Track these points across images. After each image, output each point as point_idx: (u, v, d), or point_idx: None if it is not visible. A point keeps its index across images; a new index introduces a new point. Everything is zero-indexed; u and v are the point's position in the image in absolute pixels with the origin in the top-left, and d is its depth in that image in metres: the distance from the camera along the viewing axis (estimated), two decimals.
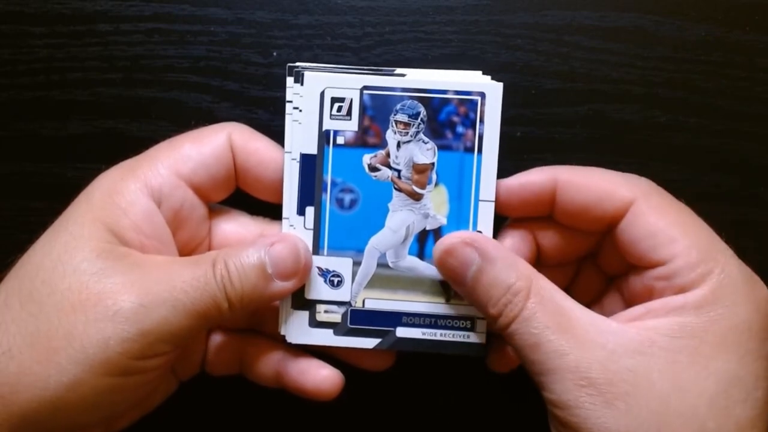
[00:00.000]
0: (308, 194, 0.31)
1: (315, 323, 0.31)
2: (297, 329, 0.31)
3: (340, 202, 0.31)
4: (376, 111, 0.30)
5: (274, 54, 0.35)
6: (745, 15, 0.35)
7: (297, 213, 0.31)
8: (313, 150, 0.30)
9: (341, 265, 0.31)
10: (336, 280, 0.31)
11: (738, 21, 0.35)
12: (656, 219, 0.28)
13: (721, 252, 0.28)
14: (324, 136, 0.30)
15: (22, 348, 0.26)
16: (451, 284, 0.30)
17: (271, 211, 0.32)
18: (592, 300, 0.33)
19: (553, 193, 0.30)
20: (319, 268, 0.31)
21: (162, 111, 0.35)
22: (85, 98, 0.36)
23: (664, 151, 0.36)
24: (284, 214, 0.31)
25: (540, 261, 0.32)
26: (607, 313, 0.30)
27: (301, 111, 0.30)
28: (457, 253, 0.29)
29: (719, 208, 0.36)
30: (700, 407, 0.25)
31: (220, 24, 0.35)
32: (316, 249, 0.31)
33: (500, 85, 0.30)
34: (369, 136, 0.31)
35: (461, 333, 0.31)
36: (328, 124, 0.30)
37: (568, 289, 0.33)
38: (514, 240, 0.31)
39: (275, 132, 0.33)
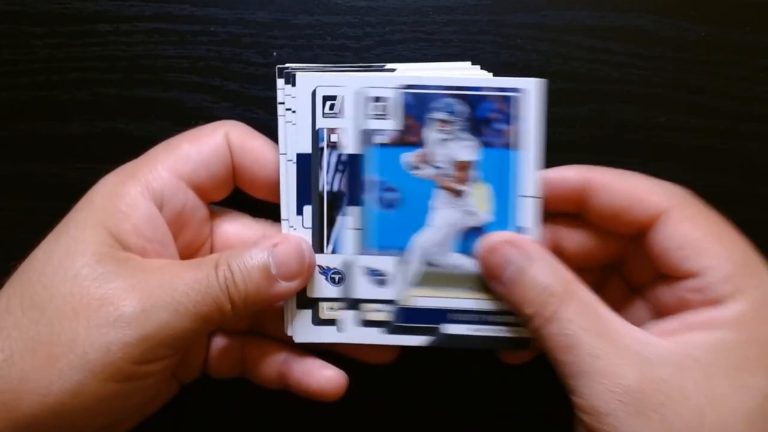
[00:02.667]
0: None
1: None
2: (301, 328, 0.31)
3: (383, 201, 0.31)
4: (413, 109, 0.30)
5: (274, 54, 0.35)
6: (745, 15, 0.35)
7: (296, 213, 0.31)
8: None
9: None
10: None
11: (738, 21, 0.35)
12: (690, 229, 0.28)
13: (756, 265, 0.28)
14: (317, 135, 0.30)
15: (23, 354, 0.26)
16: (490, 283, 0.30)
17: (272, 211, 0.32)
18: (615, 310, 0.32)
19: (584, 193, 0.30)
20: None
21: (162, 111, 0.35)
22: (85, 98, 0.36)
23: (664, 151, 0.36)
24: (282, 215, 0.31)
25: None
26: (635, 324, 0.30)
27: (294, 112, 0.30)
28: (498, 251, 0.29)
29: (719, 208, 0.36)
30: (737, 423, 0.24)
31: (220, 24, 0.35)
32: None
33: (543, 81, 0.30)
34: (410, 135, 0.30)
35: (504, 328, 0.31)
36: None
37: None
38: None
39: (275, 131, 0.33)
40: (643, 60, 0.35)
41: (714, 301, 0.27)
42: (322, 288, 0.31)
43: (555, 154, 0.35)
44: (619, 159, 0.35)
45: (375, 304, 0.31)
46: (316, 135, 0.31)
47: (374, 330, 0.31)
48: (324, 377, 0.31)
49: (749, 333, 0.26)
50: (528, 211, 0.30)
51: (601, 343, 0.26)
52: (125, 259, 0.28)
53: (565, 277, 0.28)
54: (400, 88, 0.30)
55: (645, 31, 0.35)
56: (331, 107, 0.30)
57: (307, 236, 0.31)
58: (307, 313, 0.31)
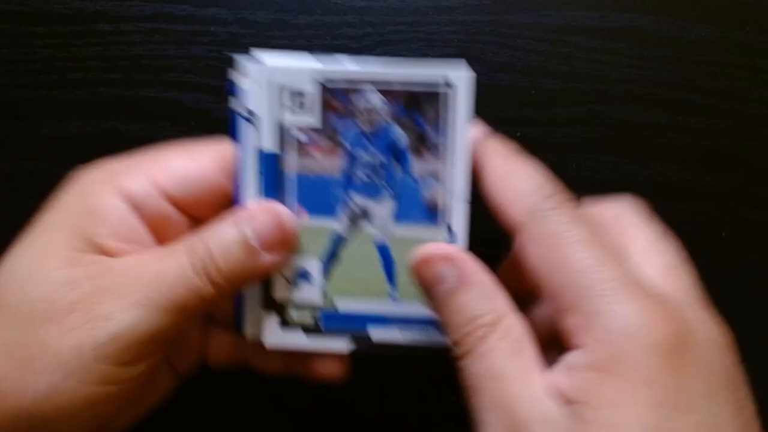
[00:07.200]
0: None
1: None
2: (270, 331, 0.30)
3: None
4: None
5: None
6: (745, 15, 0.35)
7: None
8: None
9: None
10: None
11: (738, 21, 0.35)
12: (539, 251, 0.25)
13: (606, 283, 0.23)
14: (283, 133, 0.28)
15: None
16: (422, 292, 0.28)
17: None
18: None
19: (477, 174, 0.28)
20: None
21: (162, 111, 0.35)
22: (85, 98, 0.36)
23: (664, 151, 0.36)
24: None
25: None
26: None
27: (255, 105, 0.28)
28: (433, 266, 0.27)
29: (719, 208, 0.36)
30: None
31: (220, 24, 0.35)
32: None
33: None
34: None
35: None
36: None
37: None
38: None
39: None
40: (644, 60, 0.35)
41: (566, 339, 0.24)
42: (287, 291, 0.29)
43: (555, 153, 0.35)
44: (620, 159, 0.35)
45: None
46: (282, 133, 0.28)
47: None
48: (329, 359, 0.31)
49: (607, 371, 0.23)
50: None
51: (504, 395, 0.24)
52: (97, 261, 0.27)
53: (498, 309, 0.26)
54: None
55: (645, 31, 0.35)
56: (300, 105, 0.28)
57: None
58: (274, 316, 0.30)
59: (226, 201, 0.30)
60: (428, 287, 0.27)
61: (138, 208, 0.29)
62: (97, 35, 0.35)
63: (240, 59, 0.28)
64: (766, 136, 0.36)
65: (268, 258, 0.27)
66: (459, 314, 0.26)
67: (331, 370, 0.31)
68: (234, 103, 0.28)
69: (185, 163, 0.29)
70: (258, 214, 0.28)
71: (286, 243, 0.28)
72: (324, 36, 0.35)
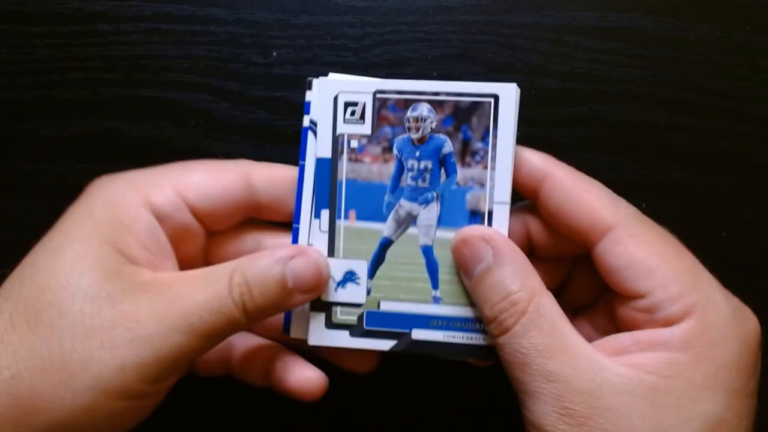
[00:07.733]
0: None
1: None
2: (315, 331, 0.31)
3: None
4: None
5: (274, 54, 0.35)
6: (745, 15, 0.35)
7: (314, 216, 0.30)
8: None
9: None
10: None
11: (738, 21, 0.35)
12: (635, 249, 0.27)
13: (705, 283, 0.27)
14: (337, 141, 0.30)
15: (33, 372, 0.26)
16: (461, 275, 0.30)
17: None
18: (586, 304, 0.32)
19: (539, 184, 0.29)
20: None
21: (162, 111, 0.36)
22: (85, 98, 0.36)
23: (664, 151, 0.36)
24: (294, 222, 0.31)
25: (532, 253, 0.31)
26: (597, 324, 0.30)
27: (316, 115, 0.30)
28: (472, 245, 0.29)
29: (719, 208, 0.36)
30: None
31: (220, 24, 0.35)
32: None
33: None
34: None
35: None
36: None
37: (562, 289, 0.32)
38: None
39: (275, 131, 0.33)
40: (643, 60, 0.35)
41: (664, 322, 0.27)
42: (334, 292, 0.31)
43: (555, 154, 0.35)
44: (620, 159, 0.35)
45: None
46: (336, 140, 0.30)
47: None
48: (304, 377, 0.31)
49: (698, 354, 0.26)
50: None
51: (555, 365, 0.26)
52: (133, 274, 0.28)
53: (532, 287, 0.27)
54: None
55: (645, 31, 0.35)
56: (352, 113, 0.30)
57: (323, 240, 0.30)
58: (320, 316, 0.31)
59: (244, 215, 0.31)
60: (467, 266, 0.29)
61: (162, 219, 0.30)
62: (97, 35, 0.35)
63: (311, 79, 0.30)
64: (766, 136, 0.36)
65: (299, 298, 0.29)
66: (494, 290, 0.28)
67: (303, 387, 0.31)
68: (305, 119, 0.31)
69: (210, 178, 0.31)
70: (299, 257, 0.29)
71: (319, 288, 0.29)
72: (324, 36, 0.35)
